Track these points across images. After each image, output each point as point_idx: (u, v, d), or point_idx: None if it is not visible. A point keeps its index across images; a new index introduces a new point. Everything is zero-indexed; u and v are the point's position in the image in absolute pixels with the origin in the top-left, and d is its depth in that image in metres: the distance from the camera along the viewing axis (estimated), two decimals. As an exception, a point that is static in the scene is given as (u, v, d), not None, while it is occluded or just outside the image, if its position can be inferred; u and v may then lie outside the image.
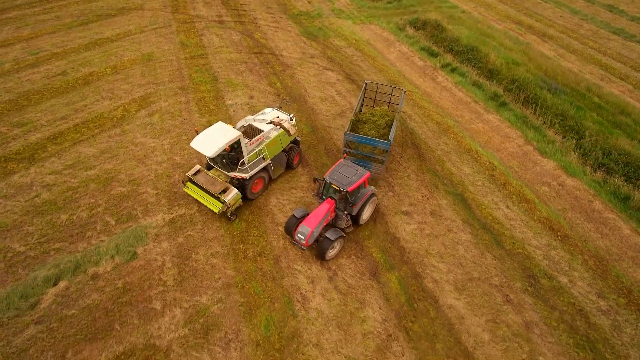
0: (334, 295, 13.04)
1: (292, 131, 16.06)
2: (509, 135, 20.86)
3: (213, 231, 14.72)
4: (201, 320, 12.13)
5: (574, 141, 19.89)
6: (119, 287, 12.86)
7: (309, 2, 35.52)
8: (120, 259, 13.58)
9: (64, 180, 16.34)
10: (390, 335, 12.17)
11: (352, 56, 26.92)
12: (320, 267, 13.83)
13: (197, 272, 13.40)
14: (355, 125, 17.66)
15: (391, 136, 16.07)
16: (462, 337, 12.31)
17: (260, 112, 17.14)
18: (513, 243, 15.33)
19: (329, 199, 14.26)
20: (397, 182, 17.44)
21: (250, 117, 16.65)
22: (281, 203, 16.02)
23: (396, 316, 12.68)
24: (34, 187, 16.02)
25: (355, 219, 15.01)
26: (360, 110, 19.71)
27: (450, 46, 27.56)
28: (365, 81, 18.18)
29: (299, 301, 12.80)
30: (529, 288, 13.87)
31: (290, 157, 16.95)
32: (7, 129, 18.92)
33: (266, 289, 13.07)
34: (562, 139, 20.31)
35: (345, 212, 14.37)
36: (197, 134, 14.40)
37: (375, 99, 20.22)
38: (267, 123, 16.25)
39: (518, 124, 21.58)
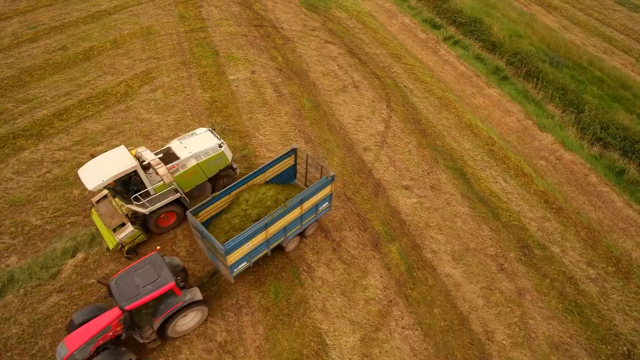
0: (338, 265, 13.97)
1: (166, 179, 12.30)
2: (509, 110, 21.35)
3: (221, 205, 15.48)
4: (214, 288, 13.07)
5: (573, 115, 20.42)
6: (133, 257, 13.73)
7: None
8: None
9: (74, 156, 16.95)
10: (391, 301, 13.17)
11: (353, 28, 26.94)
12: (324, 239, 14.69)
13: (207, 244, 14.26)
14: (236, 199, 13.08)
15: (238, 241, 11.18)
16: (457, 303, 13.32)
17: (190, 133, 14.93)
18: (509, 215, 16.16)
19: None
20: (398, 157, 18.09)
21: (176, 139, 14.63)
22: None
23: (396, 284, 13.64)
24: (45, 163, 16.65)
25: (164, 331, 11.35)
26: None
27: (453, 18, 27.55)
28: (294, 146, 13.95)
29: (305, 270, 13.73)
30: (522, 257, 14.80)
31: (217, 187, 14.78)
32: (13, 105, 19.34)
33: (273, 259, 13.96)
34: (562, 113, 20.83)
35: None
36: (92, 158, 12.96)
37: (307, 170, 14.46)
38: (143, 164, 12.98)
39: (519, 98, 22.02)
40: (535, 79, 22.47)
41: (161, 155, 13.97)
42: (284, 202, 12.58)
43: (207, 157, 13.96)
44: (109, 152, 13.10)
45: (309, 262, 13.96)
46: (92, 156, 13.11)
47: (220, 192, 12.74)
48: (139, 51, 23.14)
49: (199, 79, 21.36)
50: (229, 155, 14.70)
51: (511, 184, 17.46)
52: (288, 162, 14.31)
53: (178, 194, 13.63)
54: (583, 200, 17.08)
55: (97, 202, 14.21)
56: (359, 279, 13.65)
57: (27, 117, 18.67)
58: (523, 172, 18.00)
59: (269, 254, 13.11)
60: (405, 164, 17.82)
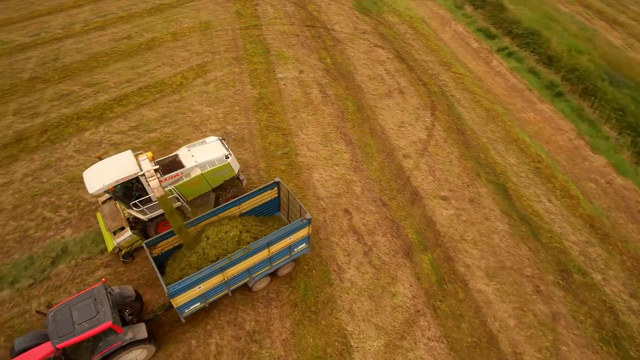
0: (368, 269, 13.94)
1: (156, 193, 11.15)
2: (560, 128, 20.32)
3: (260, 199, 15.85)
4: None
5: (630, 139, 19.13)
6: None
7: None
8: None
9: (129, 140, 17.93)
10: (419, 311, 12.99)
11: (404, 34, 26.58)
12: (356, 242, 14.70)
13: (244, 235, 14.66)
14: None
15: (185, 284, 10.47)
16: (487, 320, 12.93)
17: (201, 141, 14.55)
18: (550, 237, 15.43)
19: None
20: (438, 167, 17.73)
21: (185, 147, 14.35)
22: (324, 178, 16.82)
23: (425, 294, 13.43)
24: (103, 145, 17.72)
25: None
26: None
27: (509, 28, 26.50)
28: (276, 179, 13.12)
29: (335, 271, 13.81)
30: (560, 282, 14.11)
31: (222, 198, 14.47)
32: (79, 88, 20.72)
33: (305, 256, 14.14)
34: (618, 135, 19.56)
35: None
36: (99, 160, 12.92)
37: (288, 205, 13.49)
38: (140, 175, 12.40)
39: (572, 116, 20.90)
40: (592, 98, 21.22)
41: (167, 162, 13.75)
42: (247, 244, 11.63)
43: (212, 168, 13.51)
44: (115, 156, 12.99)
45: (340, 263, 14.02)
46: (100, 159, 13.04)
47: (185, 222, 11.99)
48: (197, 45, 24.02)
49: (249, 75, 21.90)
50: (236, 166, 14.23)
51: (556, 204, 16.64)
52: (270, 194, 13.49)
53: (179, 202, 13.40)
54: (632, 229, 16.00)
55: (103, 202, 14.26)
56: (387, 285, 13.56)
57: (90, 100, 19.94)
58: (570, 193, 17.10)
59: (230, 295, 12.37)
60: (445, 175, 17.43)
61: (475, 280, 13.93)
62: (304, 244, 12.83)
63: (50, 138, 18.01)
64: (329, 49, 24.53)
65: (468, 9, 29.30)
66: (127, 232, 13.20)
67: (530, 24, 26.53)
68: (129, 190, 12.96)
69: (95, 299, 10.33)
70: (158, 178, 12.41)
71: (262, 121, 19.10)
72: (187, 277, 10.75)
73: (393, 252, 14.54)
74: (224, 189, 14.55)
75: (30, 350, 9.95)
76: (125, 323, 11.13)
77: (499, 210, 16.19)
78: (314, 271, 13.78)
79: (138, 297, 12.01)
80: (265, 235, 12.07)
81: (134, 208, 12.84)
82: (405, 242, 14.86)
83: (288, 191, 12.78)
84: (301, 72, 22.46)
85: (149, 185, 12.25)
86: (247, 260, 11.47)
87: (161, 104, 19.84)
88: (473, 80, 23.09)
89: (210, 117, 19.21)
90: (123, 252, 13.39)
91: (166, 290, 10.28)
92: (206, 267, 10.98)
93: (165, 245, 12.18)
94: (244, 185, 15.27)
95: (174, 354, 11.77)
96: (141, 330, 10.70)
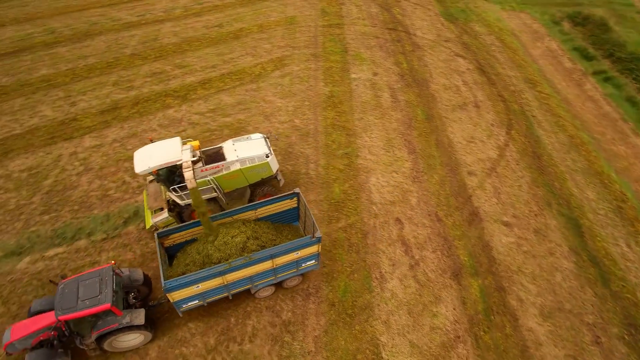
0: (411, 283, 13.45)
1: (189, 184, 11.62)
2: (656, 167, 17.90)
3: (314, 194, 15.97)
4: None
5: None
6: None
7: (458, -20, 33.28)
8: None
9: (206, 121, 19.01)
10: (459, 337, 12.28)
11: (490, 45, 25.04)
12: (403, 254, 14.24)
13: (294, 227, 14.89)
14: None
15: (182, 282, 10.69)
16: (533, 363, 11.87)
17: (247, 137, 14.72)
18: (622, 286, 13.71)
19: None
20: (505, 189, 16.53)
21: (231, 140, 14.58)
22: (380, 184, 16.50)
23: (469, 321, 12.65)
24: (183, 123, 18.98)
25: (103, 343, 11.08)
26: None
27: (611, 51, 23.80)
28: (296, 190, 12.81)
29: (377, 278, 13.52)
30: (626, 337, 12.50)
31: (256, 194, 14.68)
32: (170, 68, 22.35)
33: (349, 258, 14.01)
34: None
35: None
36: (150, 142, 13.50)
37: (305, 219, 13.13)
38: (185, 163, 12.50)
39: (673, 156, 18.29)
40: (702, 138, 18.39)
41: (211, 153, 14.12)
42: (252, 252, 11.49)
43: (251, 165, 13.62)
44: (165, 141, 13.42)
45: (383, 272, 13.70)
46: (151, 141, 13.64)
47: (193, 221, 12.25)
48: (279, 38, 24.72)
49: (323, 73, 22.07)
50: (275, 166, 14.21)
51: (635, 251, 14.73)
52: (289, 203, 13.22)
53: (215, 193, 13.69)
54: None
55: (150, 182, 14.72)
56: (429, 304, 12.98)
57: (178, 81, 21.42)
58: (655, 241, 15.04)
59: (230, 298, 12.24)
60: (512, 199, 16.20)
61: (527, 317, 12.82)
62: (313, 261, 12.36)
63: (139, 110, 19.68)
64: (407, 54, 23.88)
65: (566, 25, 26.79)
66: (165, 214, 13.65)
67: (637, 48, 23.58)
68: (172, 175, 13.36)
69: (101, 279, 10.78)
70: (200, 168, 13.18)
71: (329, 119, 19.18)
72: (185, 276, 10.87)
73: (441, 270, 13.88)
74: (260, 186, 14.64)
75: (38, 316, 10.73)
76: (129, 306, 11.59)
77: (566, 247, 14.71)
78: (356, 275, 13.62)
79: (147, 281, 12.35)
80: (275, 244, 11.90)
81: (173, 192, 13.24)
82: (456, 263, 14.09)
83: (305, 205, 12.44)
84: (375, 74, 22.15)
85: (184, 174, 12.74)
86: (249, 268, 11.34)
87: (239, 92, 20.73)
88: (559, 103, 21.12)
89: (280, 109, 19.70)
90: (158, 231, 13.80)
91: (163, 285, 10.48)
92: (205, 269, 11.02)
93: (177, 238, 12.40)
94: (281, 185, 15.23)
95: (213, 327, 12.34)
96: (139, 317, 10.92)
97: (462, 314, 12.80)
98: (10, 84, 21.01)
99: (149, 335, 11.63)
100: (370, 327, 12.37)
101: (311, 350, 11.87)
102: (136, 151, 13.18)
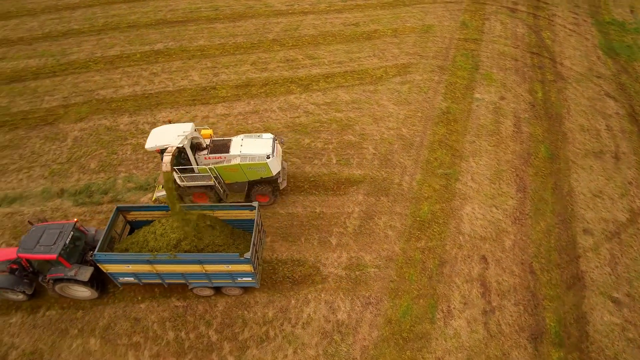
0: (480, 329, 12.01)
1: (163, 168, 11.96)
2: None
3: (400, 207, 15.22)
4: (357, 273, 13.34)
5: None
6: (316, 211, 15.17)
7: (631, 11, 27.88)
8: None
9: (319, 113, 19.43)
10: (516, 405, 10.65)
11: (655, 91, 20.57)
12: (479, 296, 12.77)
13: (372, 233, 14.44)
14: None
15: (110, 258, 11.47)
16: None
17: (257, 135, 14.72)
18: None
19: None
20: (625, 261, 13.58)
21: (243, 135, 14.74)
22: (475, 215, 14.97)
23: (534, 393, 10.87)
24: (299, 110, 19.70)
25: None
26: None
27: None
28: (254, 204, 12.46)
29: (443, 311, 12.40)
30: None
31: (252, 191, 14.65)
32: (302, 58, 23.29)
33: (419, 282, 13.09)
34: None
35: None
36: (169, 123, 14.02)
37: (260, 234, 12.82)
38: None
39: None
40: None
41: (219, 144, 14.31)
42: (182, 251, 11.43)
43: (251, 162, 13.70)
44: (180, 124, 13.74)
45: (451, 307, 12.48)
46: (170, 122, 14.35)
47: (156, 205, 12.32)
48: (410, 45, 23.86)
49: (445, 87, 20.69)
50: (275, 168, 13.99)
51: None
52: (247, 214, 12.71)
53: (212, 182, 13.95)
54: None
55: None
56: (495, 358, 11.45)
57: (305, 71, 22.23)
58: None
59: (166, 286, 12.52)
60: (630, 275, 13.26)
61: (611, 415, 10.49)
62: (250, 278, 11.85)
63: (266, 91, 21.01)
64: (546, 83, 20.98)
65: None
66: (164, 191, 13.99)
67: None
68: (180, 155, 13.67)
69: (61, 231, 11.63)
70: (204, 155, 13.70)
71: (438, 135, 17.97)
72: (114, 254, 11.33)
73: (518, 327, 12.10)
74: (258, 184, 14.62)
75: (10, 249, 12.25)
76: (84, 262, 12.21)
77: (691, 353, 11.55)
78: (421, 300, 12.67)
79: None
80: (220, 250, 11.84)
81: (175, 172, 13.61)
82: (539, 325, 12.14)
83: (256, 222, 12.08)
84: (502, 98, 19.97)
85: (194, 159, 13.51)
86: (177, 265, 11.34)
87: (356, 90, 20.68)
88: None
89: (391, 115, 19.11)
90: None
91: (94, 254, 11.17)
92: (133, 254, 11.38)
93: (138, 215, 12.94)
94: (281, 188, 15.06)
95: (275, 302, 12.72)
96: (84, 273, 11.58)
97: (530, 382, 11.04)
98: (174, 48, 24.24)
99: (95, 293, 12.33)
100: (422, 358, 11.45)
101: (356, 358, 11.49)
102: (154, 129, 13.92)
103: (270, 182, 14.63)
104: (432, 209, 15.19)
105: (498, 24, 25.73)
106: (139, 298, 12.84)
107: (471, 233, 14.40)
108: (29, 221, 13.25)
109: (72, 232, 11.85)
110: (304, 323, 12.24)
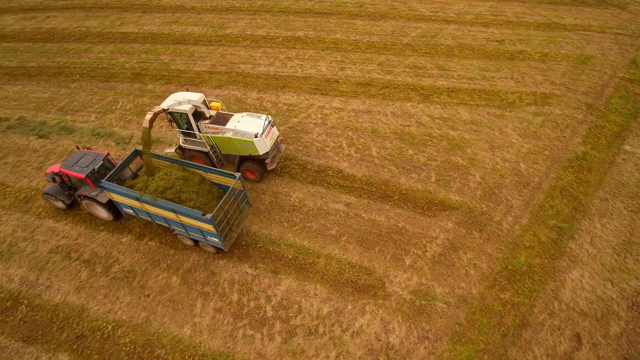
0: (548, 415, 10.09)
1: (144, 123, 13.74)
2: None
3: (493, 249, 13.51)
4: (423, 302, 12.35)
5: None
6: (399, 226, 14.43)
7: None
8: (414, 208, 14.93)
9: (432, 126, 18.27)
10: None
11: None
12: (560, 377, 10.68)
13: (452, 266, 13.16)
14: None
15: (110, 187, 13.26)
16: None
17: (257, 115, 15.55)
18: None
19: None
20: None
21: (245, 113, 15.67)
22: (582, 284, 12.44)
23: None
24: (412, 118, 18.80)
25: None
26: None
27: None
28: (237, 174, 13.24)
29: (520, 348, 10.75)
30: None
31: (242, 166, 15.74)
32: (431, 67, 22.09)
33: (490, 336, 11.52)
34: None
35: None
36: (186, 91, 15.33)
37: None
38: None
39: None
40: None
41: (221, 117, 15.52)
42: (164, 198, 12.79)
43: (240, 138, 14.66)
44: (192, 93, 15.07)
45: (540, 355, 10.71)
46: (187, 90, 15.69)
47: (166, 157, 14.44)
48: (558, 74, 20.71)
49: (589, 129, 17.45)
50: (262, 148, 14.79)
51: None
52: (228, 181, 13.59)
53: (206, 149, 15.39)
54: None
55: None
56: None
57: (430, 80, 21.00)
58: None
59: (156, 225, 14.36)
60: None
61: None
62: (216, 240, 12.69)
63: (384, 94, 20.53)
64: None
65: None
66: (172, 149, 16.64)
67: None
68: (187, 119, 15.00)
69: (94, 159, 14.12)
70: (205, 124, 15.12)
71: (563, 181, 15.33)
72: (116, 185, 13.15)
73: None
74: (247, 160, 15.58)
75: (56, 164, 15.47)
76: None
77: None
78: (486, 356, 11.11)
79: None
80: (201, 209, 12.94)
81: (179, 135, 15.67)
82: None
83: (232, 190, 12.96)
84: (662, 158, 16.05)
85: (196, 126, 15.00)
86: (159, 210, 12.71)
87: (479, 111, 18.83)
88: None
89: (512, 145, 16.92)
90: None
91: (100, 182, 13.14)
92: (125, 188, 13.20)
93: (157, 163, 14.65)
94: (268, 168, 15.61)
95: (332, 301, 12.54)
96: (104, 196, 13.87)
97: None
98: (312, 37, 25.23)
99: (110, 215, 14.58)
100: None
101: (396, 388, 10.74)
102: (173, 94, 15.46)
103: (259, 161, 15.58)
104: (530, 261, 13.14)
105: (685, 68, 20.58)
106: (219, 255, 13.98)
107: (570, 303, 12.06)
108: (76, 146, 15.98)
109: (102, 161, 14.28)
110: (354, 332, 11.88)
